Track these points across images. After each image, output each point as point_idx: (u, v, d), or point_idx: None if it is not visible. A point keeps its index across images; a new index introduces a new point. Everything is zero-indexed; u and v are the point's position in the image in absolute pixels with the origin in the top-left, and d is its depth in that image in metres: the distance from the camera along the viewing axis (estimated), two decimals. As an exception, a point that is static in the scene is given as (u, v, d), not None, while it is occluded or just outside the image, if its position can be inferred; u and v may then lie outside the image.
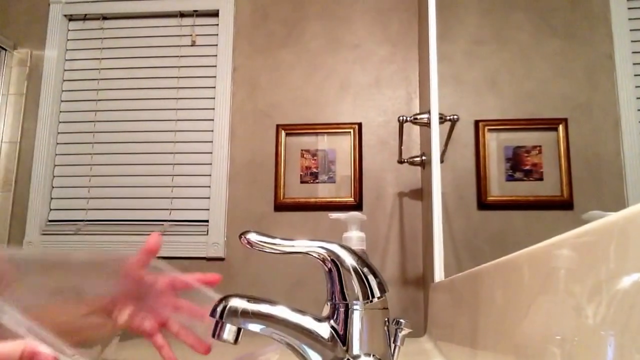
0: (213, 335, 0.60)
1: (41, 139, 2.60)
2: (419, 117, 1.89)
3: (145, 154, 2.58)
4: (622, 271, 0.28)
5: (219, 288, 2.40)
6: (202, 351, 0.76)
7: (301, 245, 0.63)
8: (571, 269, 0.35)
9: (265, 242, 0.61)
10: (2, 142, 2.62)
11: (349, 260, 0.63)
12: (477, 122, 1.16)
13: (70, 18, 2.74)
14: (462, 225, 1.34)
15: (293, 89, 2.49)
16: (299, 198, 2.38)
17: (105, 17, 2.72)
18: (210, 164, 2.50)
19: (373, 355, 0.62)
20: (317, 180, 2.39)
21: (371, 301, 0.63)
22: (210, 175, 2.49)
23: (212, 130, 2.53)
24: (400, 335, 0.65)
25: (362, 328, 0.62)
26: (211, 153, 2.51)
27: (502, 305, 0.54)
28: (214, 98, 2.55)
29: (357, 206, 2.32)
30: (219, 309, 0.59)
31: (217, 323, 0.60)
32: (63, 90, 2.69)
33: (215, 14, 2.63)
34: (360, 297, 0.62)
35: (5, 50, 2.63)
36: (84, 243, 2.47)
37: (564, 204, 0.80)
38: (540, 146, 0.91)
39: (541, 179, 0.89)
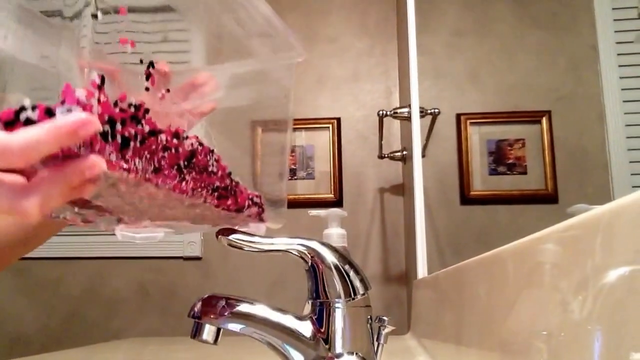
0: (192, 336, 0.59)
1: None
2: (399, 111, 1.89)
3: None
4: (608, 265, 0.28)
5: (196, 289, 2.36)
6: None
7: (280, 243, 0.63)
8: (556, 263, 0.35)
9: (243, 241, 0.60)
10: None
11: (330, 258, 0.63)
12: (458, 116, 1.16)
13: (47, 15, 2.69)
14: (445, 221, 1.34)
15: (271, 84, 2.46)
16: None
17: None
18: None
19: (356, 354, 0.61)
20: (295, 177, 2.37)
21: (353, 299, 0.62)
22: (187, 172, 2.46)
23: (188, 127, 2.50)
24: (384, 333, 0.65)
25: (345, 326, 0.62)
26: (188, 149, 2.47)
27: (486, 301, 0.53)
28: (189, 94, 2.52)
29: (337, 202, 2.31)
30: (197, 310, 0.59)
31: (195, 324, 0.59)
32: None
33: (190, 8, 2.59)
34: (342, 295, 0.62)
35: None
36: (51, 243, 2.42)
37: (549, 198, 0.80)
38: (523, 139, 0.90)
39: (525, 173, 0.88)
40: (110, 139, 0.39)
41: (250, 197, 0.58)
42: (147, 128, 0.43)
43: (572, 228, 0.33)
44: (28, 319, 2.32)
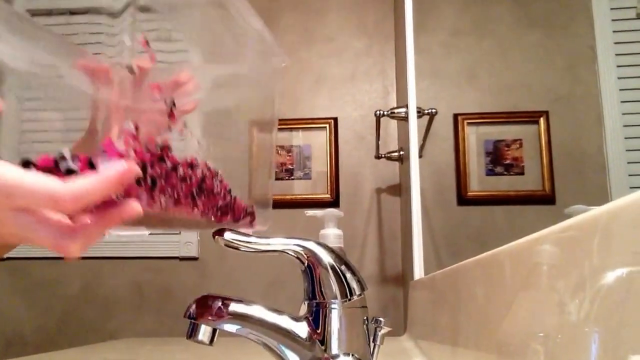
0: (188, 337, 0.59)
1: None
2: (396, 111, 1.88)
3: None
4: (605, 266, 0.28)
5: (193, 289, 2.36)
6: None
7: (277, 243, 0.64)
8: (554, 264, 0.35)
9: (240, 241, 0.61)
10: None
11: (326, 258, 0.63)
12: (456, 116, 1.16)
13: (34, 13, 2.68)
14: (442, 221, 1.34)
15: (268, 84, 2.45)
16: (274, 195, 2.35)
17: (72, 12, 2.66)
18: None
19: (352, 355, 0.61)
20: (292, 177, 2.37)
21: (349, 300, 0.62)
22: (183, 172, 2.45)
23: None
24: (380, 334, 0.65)
25: (341, 327, 0.62)
26: (183, 151, 2.47)
27: (483, 302, 0.53)
28: (187, 93, 2.51)
29: (334, 203, 2.30)
30: (192, 310, 0.59)
31: (192, 324, 0.59)
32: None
33: (187, 7, 2.58)
34: (338, 296, 0.62)
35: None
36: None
37: (546, 199, 0.80)
38: (520, 140, 0.90)
39: (522, 173, 0.88)
40: (142, 182, 0.43)
41: (245, 208, 0.59)
42: (169, 164, 0.47)
43: (569, 229, 0.33)
44: (24, 319, 2.31)
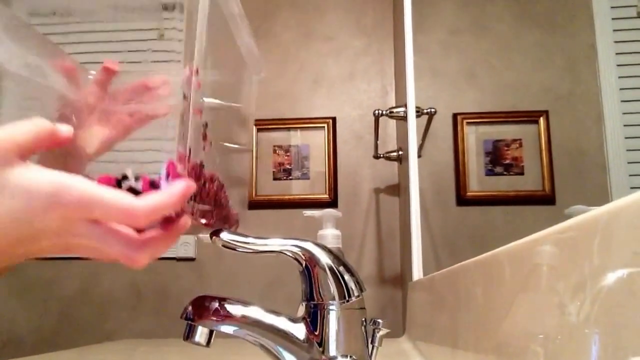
0: (184, 338, 0.60)
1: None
2: (395, 110, 1.88)
3: (111, 152, 2.52)
4: (606, 267, 0.28)
5: (190, 289, 2.36)
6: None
7: (275, 244, 0.63)
8: (554, 265, 0.35)
9: (237, 242, 0.60)
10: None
11: (324, 259, 0.63)
12: (455, 116, 1.16)
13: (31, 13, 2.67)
14: (441, 222, 1.34)
15: (264, 83, 2.45)
16: (272, 195, 2.35)
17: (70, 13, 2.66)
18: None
19: (350, 357, 0.61)
20: (290, 177, 2.36)
21: (347, 301, 0.62)
22: (181, 172, 2.45)
23: (183, 126, 2.49)
24: (378, 335, 0.65)
25: (339, 329, 0.62)
26: (182, 149, 2.47)
27: (483, 303, 0.53)
28: (184, 93, 2.51)
29: (332, 203, 2.30)
30: (189, 311, 0.59)
31: (188, 325, 0.59)
32: (28, 85, 2.62)
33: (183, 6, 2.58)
34: (337, 297, 0.62)
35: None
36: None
37: (546, 199, 0.80)
38: (520, 139, 0.90)
39: (522, 174, 0.88)
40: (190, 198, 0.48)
41: (235, 216, 0.64)
42: (202, 181, 0.52)
43: (569, 230, 0.33)
44: (20, 320, 2.31)
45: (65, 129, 0.45)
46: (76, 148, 0.61)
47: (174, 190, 0.45)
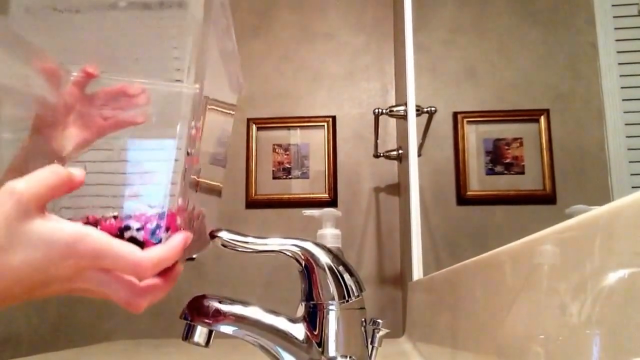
0: (183, 339, 0.60)
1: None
2: (395, 109, 1.88)
3: (110, 150, 2.52)
4: (607, 267, 0.28)
5: (189, 290, 2.37)
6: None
7: (274, 243, 0.63)
8: (554, 265, 0.35)
9: (237, 241, 0.61)
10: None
11: (324, 259, 0.64)
12: (455, 114, 1.16)
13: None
14: (441, 221, 1.34)
15: (264, 81, 2.45)
16: (272, 195, 2.35)
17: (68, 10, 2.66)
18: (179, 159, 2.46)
19: (350, 357, 0.61)
20: (290, 176, 2.36)
21: (347, 301, 0.62)
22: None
23: (182, 125, 2.49)
24: (378, 335, 0.65)
25: (338, 329, 0.62)
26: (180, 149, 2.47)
27: (483, 303, 0.53)
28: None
29: (332, 202, 2.30)
30: (189, 311, 0.59)
31: (187, 325, 0.59)
32: (28, 84, 2.62)
33: (181, 5, 2.58)
34: (336, 297, 0.62)
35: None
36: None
37: (547, 198, 0.79)
38: (521, 138, 0.90)
39: (522, 173, 0.88)
40: None
41: (208, 238, 0.65)
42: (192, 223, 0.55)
43: (570, 229, 0.33)
44: (19, 320, 2.30)
45: (78, 174, 0.48)
46: (52, 149, 0.61)
47: (175, 244, 0.49)
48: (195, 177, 0.58)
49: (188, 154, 0.55)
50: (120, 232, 0.48)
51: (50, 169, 0.46)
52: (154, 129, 0.60)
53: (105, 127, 0.67)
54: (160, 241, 0.49)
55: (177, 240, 0.49)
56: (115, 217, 0.50)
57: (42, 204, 0.45)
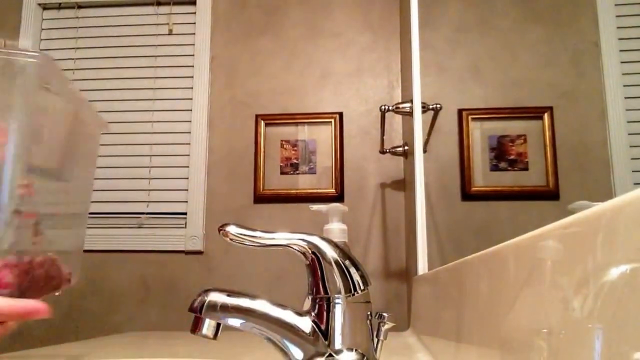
0: (192, 331, 0.60)
1: (15, 129, 2.54)
2: (401, 106, 1.88)
3: (121, 145, 2.54)
4: (610, 263, 0.27)
5: (197, 283, 2.37)
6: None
7: (281, 237, 0.63)
8: (558, 260, 0.34)
9: (245, 235, 0.61)
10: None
11: (330, 253, 0.63)
12: (460, 111, 1.15)
13: (45, 7, 2.69)
14: (446, 217, 1.33)
15: (272, 78, 2.46)
16: (279, 190, 2.36)
17: (80, 6, 2.67)
18: (188, 155, 2.47)
19: (355, 350, 0.61)
20: (297, 172, 2.37)
21: (353, 294, 0.62)
22: (188, 167, 2.46)
23: (190, 121, 2.50)
24: (383, 329, 0.65)
25: (344, 322, 0.62)
26: (189, 144, 2.48)
27: (487, 298, 0.53)
28: (191, 88, 2.52)
29: (339, 197, 2.30)
30: (197, 304, 0.59)
31: (196, 318, 0.59)
32: (37, 80, 2.63)
33: (192, 1, 2.59)
34: (342, 291, 0.62)
35: (-23, 39, 2.57)
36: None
37: (550, 194, 0.79)
38: (525, 135, 0.90)
39: (526, 169, 0.88)
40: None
41: (67, 276, 0.69)
42: (30, 275, 0.58)
43: (573, 225, 0.33)
44: (30, 312, 2.32)
45: None
46: None
47: (22, 310, 0.53)
48: (33, 230, 0.58)
49: (17, 212, 0.55)
50: None
51: None
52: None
53: None
54: None
55: (28, 308, 0.53)
56: None
57: None
